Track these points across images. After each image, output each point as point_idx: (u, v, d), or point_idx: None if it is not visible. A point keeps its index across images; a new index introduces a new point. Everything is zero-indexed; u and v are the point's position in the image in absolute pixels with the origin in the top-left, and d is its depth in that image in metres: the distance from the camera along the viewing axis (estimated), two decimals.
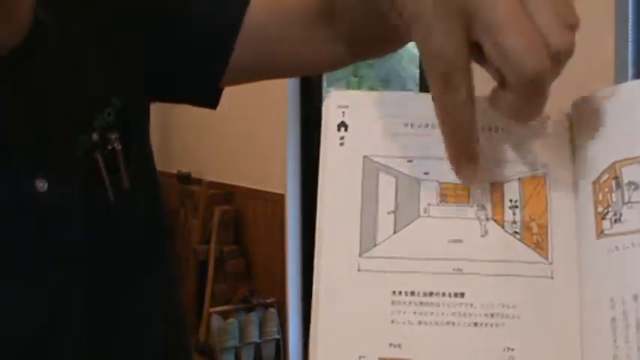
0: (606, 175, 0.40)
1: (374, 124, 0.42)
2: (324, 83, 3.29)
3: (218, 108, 0.78)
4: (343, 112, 0.43)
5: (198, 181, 3.67)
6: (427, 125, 0.42)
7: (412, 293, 0.40)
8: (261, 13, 0.73)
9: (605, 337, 0.38)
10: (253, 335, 3.15)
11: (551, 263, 0.40)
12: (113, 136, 0.66)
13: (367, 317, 0.40)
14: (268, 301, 3.22)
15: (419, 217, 0.41)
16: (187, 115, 3.27)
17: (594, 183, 0.40)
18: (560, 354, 0.39)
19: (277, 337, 3.18)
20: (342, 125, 0.42)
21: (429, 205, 0.41)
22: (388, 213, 0.41)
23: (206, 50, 0.73)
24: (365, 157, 0.42)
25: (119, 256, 0.67)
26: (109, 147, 0.65)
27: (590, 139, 0.41)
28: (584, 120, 0.41)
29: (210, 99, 0.77)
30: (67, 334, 0.62)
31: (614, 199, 0.39)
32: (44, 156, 0.61)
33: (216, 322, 3.16)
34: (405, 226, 0.41)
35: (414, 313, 0.40)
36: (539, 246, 0.40)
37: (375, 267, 0.40)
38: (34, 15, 0.62)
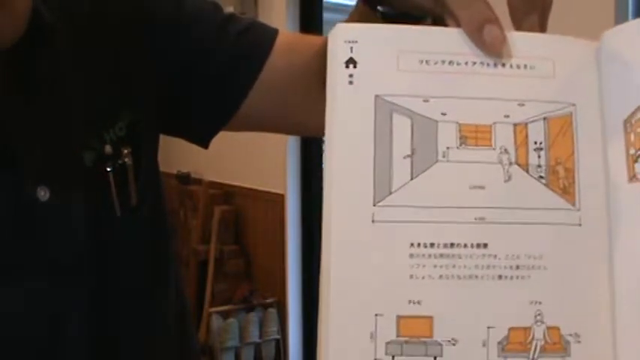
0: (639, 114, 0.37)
1: (386, 61, 0.39)
2: None
3: None
4: (351, 48, 0.39)
5: (198, 181, 3.65)
6: (444, 62, 0.39)
7: (432, 245, 0.37)
8: (281, 63, 0.71)
9: (638, 289, 0.36)
10: (253, 335, 3.12)
11: (578, 210, 0.37)
12: (125, 151, 0.65)
13: (383, 272, 0.37)
14: (268, 301, 3.20)
15: (437, 161, 0.38)
16: None
17: (626, 122, 0.37)
18: (590, 307, 0.36)
19: (277, 337, 3.15)
20: (351, 62, 0.38)
21: (447, 148, 0.38)
22: (404, 157, 0.38)
23: (218, 95, 0.72)
24: (377, 96, 0.38)
25: (122, 268, 0.66)
26: (120, 161, 0.64)
27: (620, 74, 0.38)
28: (613, 53, 0.38)
29: (206, 140, 0.76)
30: (67, 344, 0.61)
31: None
32: (47, 164, 0.60)
33: (216, 322, 3.14)
34: (423, 171, 0.38)
35: (434, 266, 0.37)
36: (566, 191, 0.37)
37: (391, 217, 0.37)
38: (37, 14, 0.60)
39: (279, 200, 3.21)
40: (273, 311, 3.17)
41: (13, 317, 0.58)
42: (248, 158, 3.40)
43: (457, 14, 0.39)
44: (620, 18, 1.90)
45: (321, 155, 3.15)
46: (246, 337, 3.12)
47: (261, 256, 3.37)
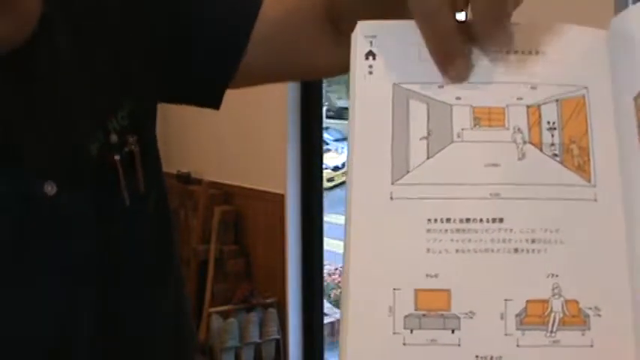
0: None
1: (402, 52, 0.42)
2: (324, 83, 3.27)
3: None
4: (371, 42, 0.42)
5: (198, 181, 3.65)
6: None
7: (448, 220, 0.38)
8: (274, 11, 0.71)
9: None
10: (253, 335, 3.12)
11: (594, 186, 0.38)
12: (131, 139, 0.64)
13: (402, 247, 0.38)
14: (268, 301, 3.20)
15: (452, 142, 0.39)
16: (187, 114, 3.24)
17: (636, 99, 0.38)
18: (608, 279, 0.37)
19: (277, 337, 3.16)
20: (370, 54, 0.42)
21: (462, 129, 0.40)
22: (420, 139, 0.39)
23: (218, 51, 0.72)
24: (394, 84, 0.41)
25: (125, 267, 0.66)
26: (127, 149, 0.64)
27: (629, 53, 0.39)
28: (622, 35, 0.40)
29: (215, 100, 0.75)
30: (78, 344, 0.61)
31: None
32: (52, 158, 0.59)
33: (216, 322, 3.14)
34: (439, 151, 0.39)
35: (451, 240, 0.38)
36: (581, 168, 0.39)
37: (409, 194, 0.39)
38: (42, 10, 0.60)
39: (279, 200, 3.21)
40: (273, 311, 3.17)
41: (24, 316, 0.58)
42: (248, 158, 3.41)
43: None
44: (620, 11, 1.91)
45: (322, 155, 3.16)
46: (246, 337, 3.12)
47: (261, 256, 3.37)
